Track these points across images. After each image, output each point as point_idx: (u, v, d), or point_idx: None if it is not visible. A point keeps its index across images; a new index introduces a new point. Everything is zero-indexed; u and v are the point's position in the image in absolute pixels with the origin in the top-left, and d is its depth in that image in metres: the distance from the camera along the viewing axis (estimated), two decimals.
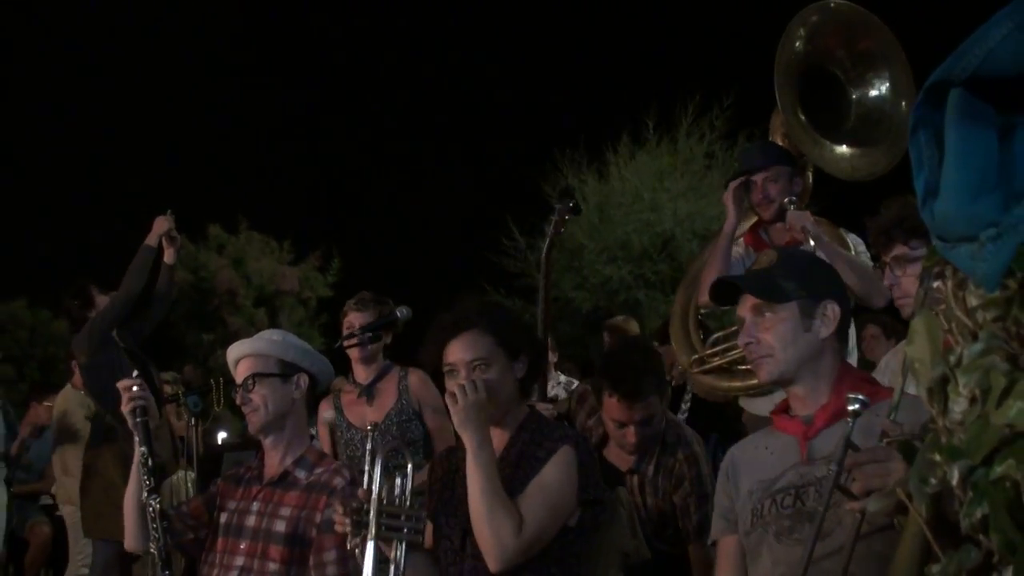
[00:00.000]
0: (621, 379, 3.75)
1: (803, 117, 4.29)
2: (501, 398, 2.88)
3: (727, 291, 2.62)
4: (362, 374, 4.81)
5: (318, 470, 3.31)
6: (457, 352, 2.90)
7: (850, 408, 2.07)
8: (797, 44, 4.28)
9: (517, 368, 2.92)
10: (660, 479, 3.83)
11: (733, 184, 4.39)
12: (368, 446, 2.90)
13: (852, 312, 2.78)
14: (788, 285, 2.48)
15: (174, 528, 3.34)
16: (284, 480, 3.31)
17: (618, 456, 3.91)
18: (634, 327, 7.54)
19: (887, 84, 4.32)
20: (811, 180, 4.58)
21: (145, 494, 3.27)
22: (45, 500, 7.99)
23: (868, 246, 3.91)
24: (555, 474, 2.80)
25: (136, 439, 3.33)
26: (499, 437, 2.93)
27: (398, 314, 4.69)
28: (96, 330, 5.80)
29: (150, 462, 3.30)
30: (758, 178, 4.33)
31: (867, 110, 4.34)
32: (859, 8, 4.32)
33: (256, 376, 3.33)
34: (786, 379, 2.49)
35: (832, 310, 2.49)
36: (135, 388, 3.33)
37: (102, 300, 5.99)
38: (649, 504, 3.84)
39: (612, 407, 3.78)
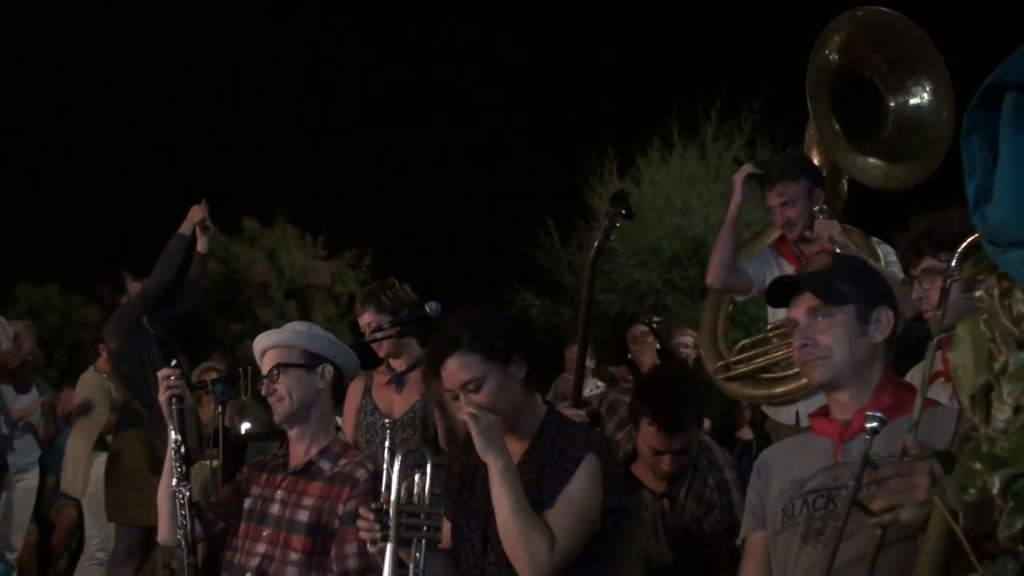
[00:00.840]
0: (662, 410, 3.69)
1: (837, 126, 4.23)
2: (507, 407, 2.85)
3: (781, 292, 2.60)
4: (396, 363, 4.78)
5: (342, 461, 3.32)
6: (449, 378, 2.88)
7: (867, 426, 2.07)
8: (830, 51, 4.22)
9: (514, 371, 2.87)
10: (689, 503, 3.79)
11: (748, 169, 4.31)
12: (387, 444, 2.88)
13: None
14: (845, 288, 2.48)
15: (206, 519, 3.37)
16: (308, 470, 3.33)
17: (645, 473, 3.86)
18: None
19: (926, 92, 4.25)
20: (846, 188, 4.51)
21: (175, 481, 3.31)
22: None
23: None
24: (582, 485, 2.77)
25: (171, 427, 3.37)
26: (518, 444, 2.91)
27: (427, 309, 4.66)
28: (127, 317, 5.82)
29: (182, 449, 3.34)
30: (776, 204, 4.27)
31: (904, 119, 4.28)
32: (897, 14, 4.25)
33: (281, 366, 3.35)
34: (837, 383, 2.48)
35: (886, 316, 2.49)
36: (172, 377, 3.38)
37: (134, 287, 6.01)
38: (677, 526, 3.79)
39: (650, 435, 3.72)
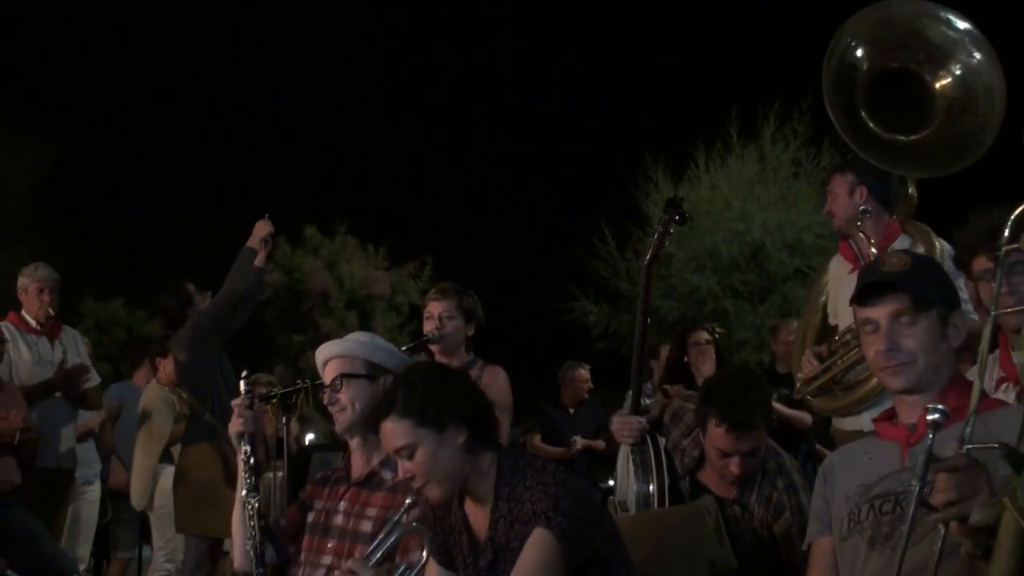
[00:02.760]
0: (731, 409, 3.59)
1: (874, 126, 4.08)
2: (443, 475, 2.82)
3: (865, 291, 2.50)
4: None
5: None
6: (385, 441, 2.88)
7: (929, 419, 2.02)
8: (851, 57, 4.07)
9: (451, 438, 2.81)
10: (759, 508, 3.70)
11: None
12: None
13: None
14: (931, 291, 2.42)
15: (277, 543, 3.39)
16: (371, 481, 3.34)
17: (713, 480, 3.80)
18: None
19: (970, 69, 4.04)
20: (913, 191, 4.39)
21: (245, 492, 3.34)
22: None
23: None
24: (528, 563, 2.70)
25: (242, 443, 3.42)
26: (481, 509, 2.89)
27: (428, 335, 4.70)
28: (199, 329, 5.87)
29: (252, 461, 3.37)
30: (828, 192, 4.27)
31: (953, 100, 4.07)
32: (912, 4, 4.09)
33: (344, 377, 3.37)
34: (919, 388, 2.42)
35: (962, 320, 2.46)
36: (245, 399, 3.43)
37: (200, 299, 6.08)
38: (748, 532, 3.72)
39: (718, 436, 3.63)
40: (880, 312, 2.43)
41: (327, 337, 3.78)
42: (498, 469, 2.87)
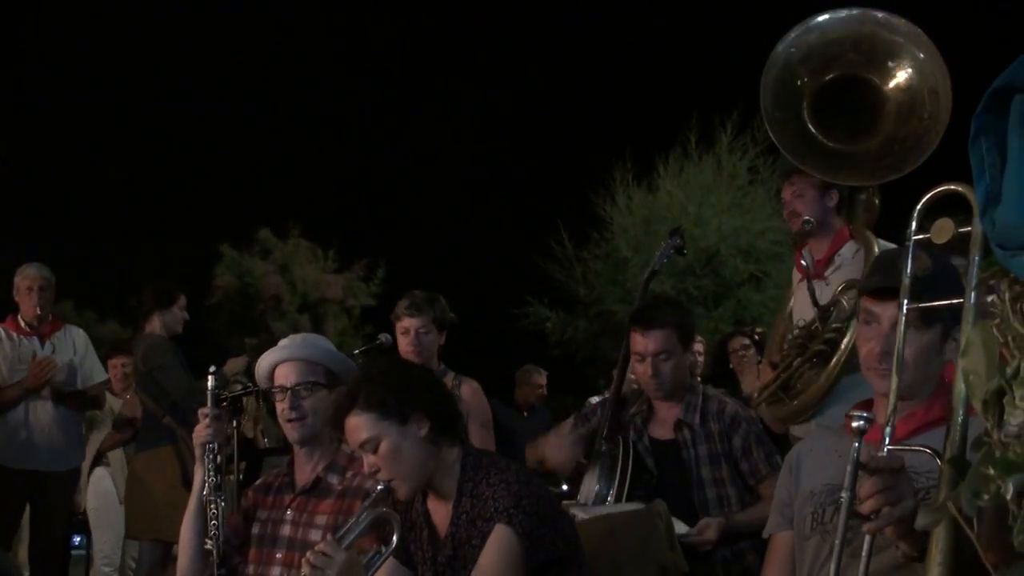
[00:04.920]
0: (640, 311, 4.02)
1: (823, 138, 4.05)
2: (408, 467, 2.84)
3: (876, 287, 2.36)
4: None
5: (350, 473, 3.27)
6: (349, 437, 2.90)
7: (853, 425, 1.96)
8: (789, 70, 4.07)
9: (414, 430, 2.84)
10: (712, 423, 3.88)
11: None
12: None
13: None
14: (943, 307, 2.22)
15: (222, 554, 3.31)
16: (317, 487, 3.29)
17: (660, 424, 3.97)
18: None
19: (913, 71, 4.01)
20: (876, 200, 4.37)
21: (207, 490, 3.28)
22: None
23: None
24: (489, 560, 2.73)
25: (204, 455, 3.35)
26: (443, 505, 2.91)
27: (381, 339, 4.67)
28: (158, 362, 5.91)
29: (218, 459, 3.31)
30: (787, 193, 4.20)
31: (900, 103, 4.03)
32: (850, 17, 4.10)
33: (314, 385, 3.32)
34: (905, 395, 2.28)
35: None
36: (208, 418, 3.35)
37: (176, 310, 6.11)
38: (702, 452, 3.85)
39: (633, 342, 3.92)
40: (885, 312, 2.33)
41: (279, 340, 3.67)
42: (463, 466, 2.91)
